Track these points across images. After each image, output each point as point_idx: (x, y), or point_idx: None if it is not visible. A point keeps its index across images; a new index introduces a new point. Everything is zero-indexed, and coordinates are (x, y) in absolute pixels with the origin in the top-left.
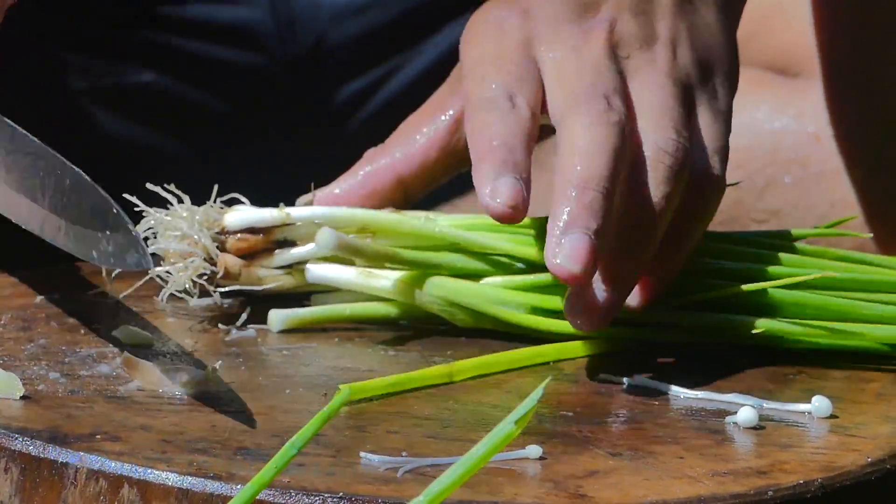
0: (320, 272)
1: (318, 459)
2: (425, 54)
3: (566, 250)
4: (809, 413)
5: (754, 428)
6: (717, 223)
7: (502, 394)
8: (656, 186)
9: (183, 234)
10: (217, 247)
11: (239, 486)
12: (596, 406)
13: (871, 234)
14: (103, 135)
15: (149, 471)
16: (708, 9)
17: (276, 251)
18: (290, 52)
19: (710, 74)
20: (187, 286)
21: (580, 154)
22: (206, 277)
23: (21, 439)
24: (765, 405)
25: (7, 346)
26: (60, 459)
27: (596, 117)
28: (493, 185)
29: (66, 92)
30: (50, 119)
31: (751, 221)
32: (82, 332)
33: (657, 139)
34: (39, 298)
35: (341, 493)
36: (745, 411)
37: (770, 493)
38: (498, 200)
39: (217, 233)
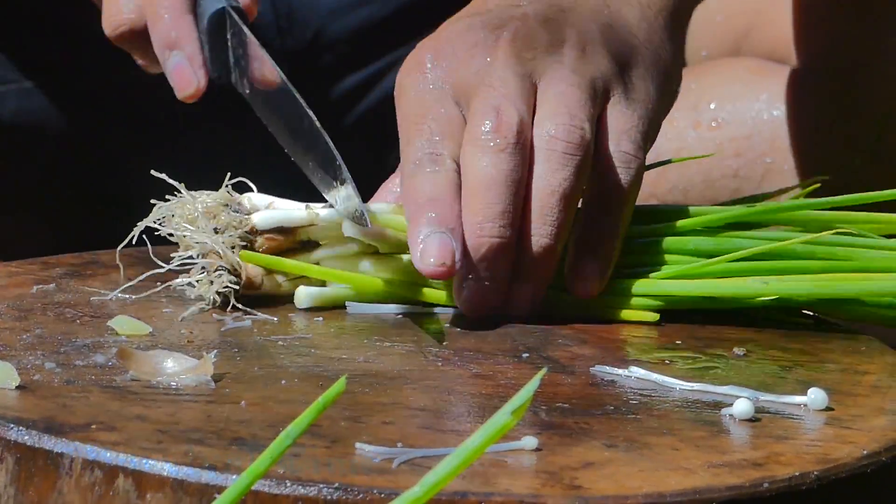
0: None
1: (314, 450)
2: None
3: (470, 299)
4: (805, 405)
5: (750, 420)
6: None
7: (497, 385)
8: (552, 172)
9: (205, 244)
10: (245, 246)
11: (234, 477)
12: (591, 397)
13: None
14: (107, 124)
15: (144, 461)
16: (630, 9)
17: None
18: (289, 44)
19: (627, 68)
20: (213, 297)
21: (475, 192)
22: (228, 289)
23: (16, 429)
24: (760, 397)
25: (3, 335)
26: (56, 449)
27: (483, 147)
28: (422, 246)
29: (80, 78)
30: (46, 110)
31: None
32: (78, 322)
33: (549, 128)
34: (36, 288)
35: (336, 484)
36: (741, 403)
37: (766, 484)
38: (431, 261)
39: (246, 232)
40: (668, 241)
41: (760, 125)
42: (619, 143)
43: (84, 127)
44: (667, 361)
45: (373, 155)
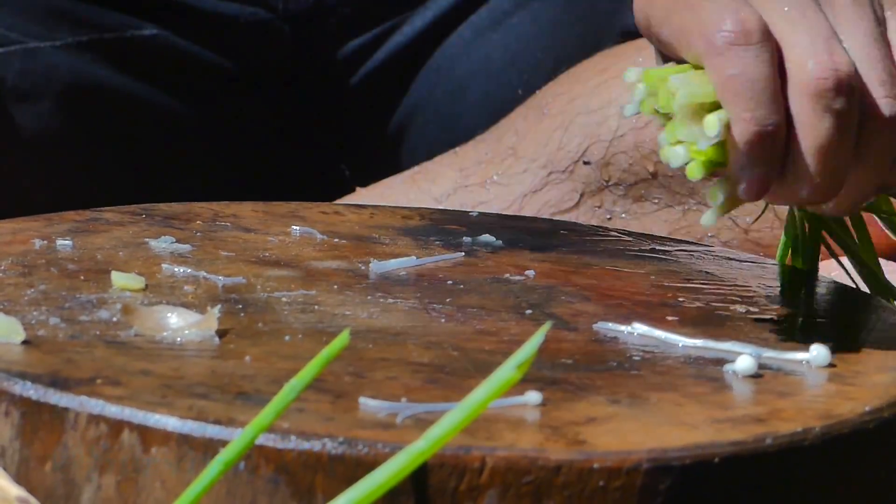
0: None
1: (318, 405)
2: (428, 10)
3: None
4: (808, 362)
5: (752, 376)
6: None
7: (501, 341)
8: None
9: None
10: None
11: (238, 431)
12: (594, 354)
13: None
14: (105, 88)
15: (149, 415)
16: None
17: None
18: (293, 7)
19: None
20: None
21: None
22: None
23: (21, 383)
24: (763, 354)
25: (7, 291)
26: (61, 404)
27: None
28: (748, 180)
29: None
30: (53, 70)
31: None
32: (82, 277)
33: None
34: (40, 244)
35: (341, 438)
36: (744, 359)
37: (768, 440)
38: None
39: None
40: None
41: None
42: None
43: (90, 87)
44: (669, 318)
45: (376, 116)
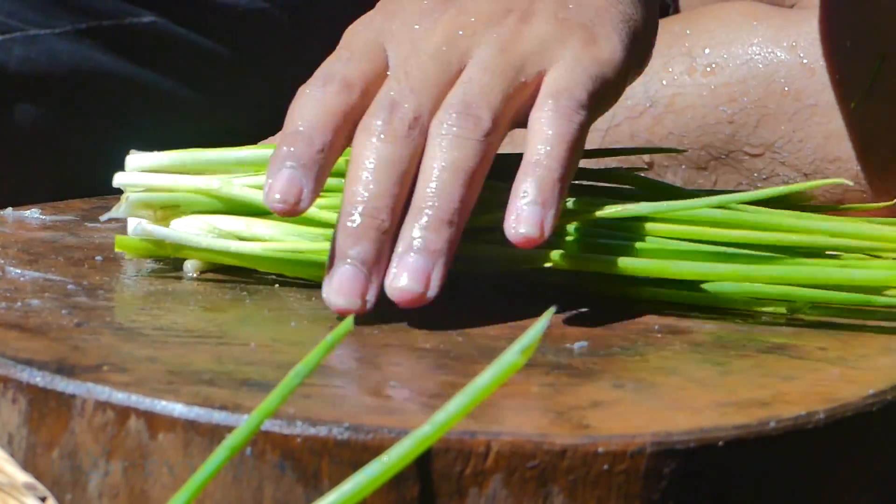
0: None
1: (323, 390)
2: None
3: (339, 283)
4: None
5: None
6: (713, 158)
7: (506, 326)
8: (445, 151)
9: None
10: None
11: (244, 417)
12: (599, 338)
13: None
14: (103, 74)
15: (156, 401)
16: None
17: None
18: None
19: (583, 29)
20: None
21: (356, 180)
22: None
23: (29, 371)
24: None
25: (13, 278)
26: (68, 391)
27: (375, 133)
28: (271, 180)
29: (70, 30)
30: (54, 57)
31: (745, 155)
32: (87, 265)
33: (443, 117)
34: (46, 232)
35: (346, 424)
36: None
37: (772, 423)
38: (276, 196)
39: None
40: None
41: (755, 70)
42: (559, 99)
43: (91, 74)
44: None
45: None
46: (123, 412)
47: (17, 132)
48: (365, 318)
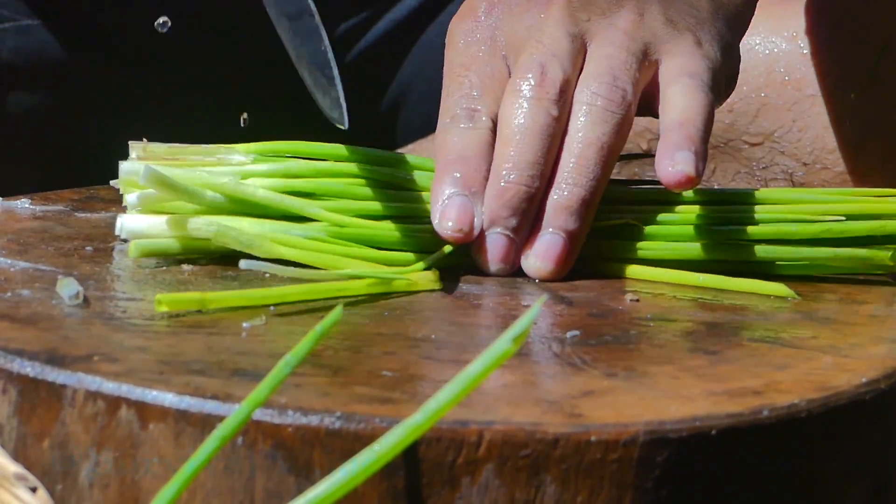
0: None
1: (315, 380)
2: None
3: (491, 251)
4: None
5: (746, 349)
6: (712, 147)
7: (498, 315)
8: (591, 126)
9: None
10: None
11: (235, 406)
12: (591, 327)
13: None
14: (94, 65)
15: (146, 391)
16: None
17: None
18: None
19: (690, 30)
20: None
21: (508, 141)
22: None
23: (19, 361)
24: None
25: (3, 268)
26: (58, 381)
27: (525, 96)
28: (442, 208)
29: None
30: (46, 47)
31: (744, 144)
32: (77, 256)
33: (592, 86)
34: (36, 222)
35: (338, 413)
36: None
37: (765, 412)
38: (448, 224)
39: None
40: None
41: (755, 60)
42: (693, 77)
43: (83, 65)
44: (663, 293)
45: (369, 94)
46: (114, 402)
47: (8, 122)
48: (357, 308)
